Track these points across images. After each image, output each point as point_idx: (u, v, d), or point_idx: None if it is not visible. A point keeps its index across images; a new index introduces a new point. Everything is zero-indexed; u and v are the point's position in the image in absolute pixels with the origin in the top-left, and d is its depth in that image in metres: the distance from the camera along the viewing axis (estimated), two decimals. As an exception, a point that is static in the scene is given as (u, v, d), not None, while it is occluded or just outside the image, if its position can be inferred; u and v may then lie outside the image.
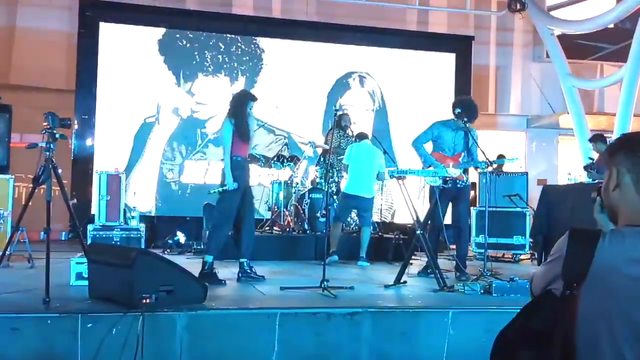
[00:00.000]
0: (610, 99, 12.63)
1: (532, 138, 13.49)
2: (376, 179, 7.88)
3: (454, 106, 6.43)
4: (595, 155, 8.17)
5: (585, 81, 11.48)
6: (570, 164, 11.87)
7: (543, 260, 7.22)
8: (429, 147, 6.64)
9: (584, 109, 11.41)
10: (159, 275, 4.40)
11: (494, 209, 8.24)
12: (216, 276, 5.82)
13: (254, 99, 6.22)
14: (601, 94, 12.85)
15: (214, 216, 6.25)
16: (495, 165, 6.47)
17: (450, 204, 6.44)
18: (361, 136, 8.13)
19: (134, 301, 4.16)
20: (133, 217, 7.07)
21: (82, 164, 10.06)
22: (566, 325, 1.75)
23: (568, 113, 11.43)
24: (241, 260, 6.03)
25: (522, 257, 8.82)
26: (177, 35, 10.69)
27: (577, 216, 6.58)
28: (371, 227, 8.12)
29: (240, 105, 6.11)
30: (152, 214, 9.69)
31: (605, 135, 8.49)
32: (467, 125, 6.35)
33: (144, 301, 4.16)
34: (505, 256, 8.91)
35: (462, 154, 6.43)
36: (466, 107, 6.41)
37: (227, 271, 6.40)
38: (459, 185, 6.41)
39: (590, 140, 8.34)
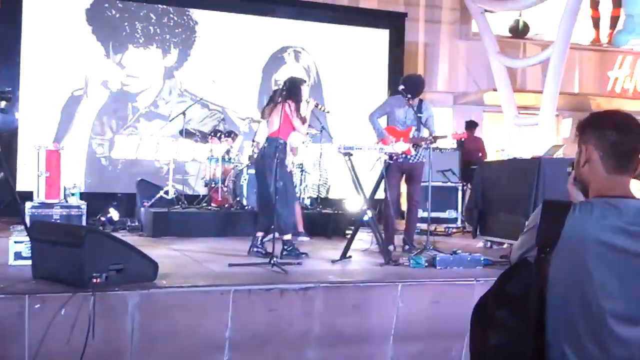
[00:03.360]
0: (531, 76, 13.10)
1: (458, 114, 13.84)
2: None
3: (399, 83, 6.60)
4: None
5: (514, 60, 11.85)
6: (494, 139, 12.26)
7: (478, 233, 7.48)
8: (383, 121, 6.78)
9: (508, 87, 11.78)
10: (109, 254, 4.29)
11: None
12: (298, 251, 6.08)
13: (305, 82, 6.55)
14: (523, 72, 13.29)
15: (283, 195, 6.09)
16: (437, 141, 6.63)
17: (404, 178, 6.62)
18: None
19: (84, 281, 4.05)
20: (73, 194, 6.82)
21: (6, 138, 9.60)
22: (539, 287, 1.87)
23: (494, 90, 11.77)
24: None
25: (454, 230, 9.12)
26: (106, 5, 10.30)
27: (511, 191, 6.84)
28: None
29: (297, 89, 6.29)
30: (82, 190, 9.37)
31: (533, 112, 8.87)
32: (409, 100, 6.49)
33: (95, 280, 4.06)
34: (438, 230, 9.17)
35: (412, 128, 6.57)
36: (409, 83, 6.58)
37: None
38: (410, 161, 6.57)
39: None
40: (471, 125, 10.49)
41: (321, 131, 8.82)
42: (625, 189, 1.91)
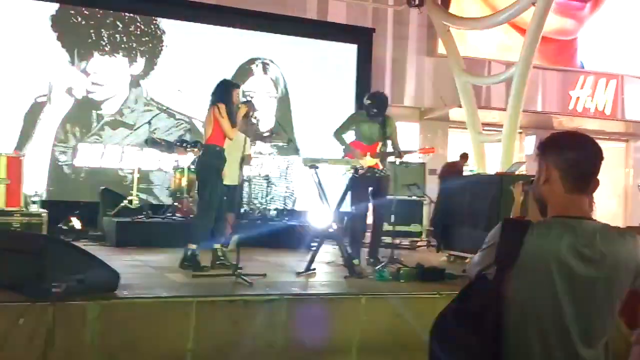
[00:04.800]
0: (496, 94, 13.34)
1: (425, 129, 13.99)
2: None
3: (365, 98, 6.68)
4: None
5: (478, 78, 12.04)
6: (458, 154, 12.40)
7: (442, 247, 7.56)
8: (349, 136, 6.81)
9: (473, 104, 11.95)
10: (69, 264, 4.23)
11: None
12: (199, 263, 5.85)
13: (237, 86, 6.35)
14: (488, 89, 13.51)
15: (200, 205, 6.08)
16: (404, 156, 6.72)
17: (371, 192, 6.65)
18: None
19: (44, 291, 3.97)
20: (34, 202, 6.69)
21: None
22: (496, 306, 1.90)
23: (459, 107, 11.95)
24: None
25: (419, 244, 9.19)
26: (72, 12, 10.17)
27: (474, 206, 6.94)
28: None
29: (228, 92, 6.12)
30: (44, 198, 9.21)
31: (497, 129, 9.03)
32: (375, 116, 6.56)
33: (54, 290, 3.98)
34: (403, 243, 9.23)
35: (379, 143, 6.62)
36: (373, 99, 6.67)
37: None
38: (377, 175, 6.61)
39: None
40: (465, 157, 10.88)
41: (288, 143, 8.83)
42: (582, 209, 1.96)
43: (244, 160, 7.05)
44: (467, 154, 11.15)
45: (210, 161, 6.02)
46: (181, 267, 5.80)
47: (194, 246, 5.89)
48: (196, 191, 6.59)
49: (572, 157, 1.95)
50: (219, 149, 6.04)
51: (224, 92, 6.15)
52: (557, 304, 1.85)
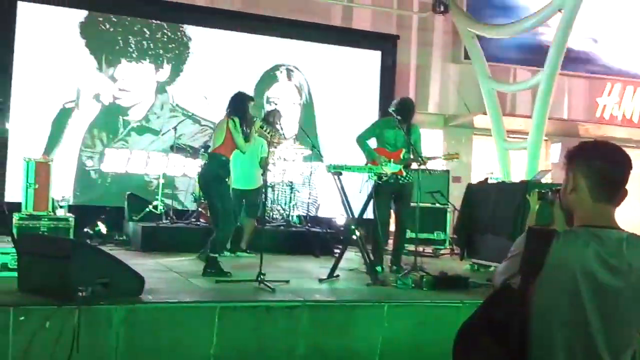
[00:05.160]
0: (521, 101, 13.23)
1: (449, 136, 13.93)
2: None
3: (391, 105, 6.69)
4: None
5: (504, 84, 11.95)
6: (483, 161, 12.33)
7: (465, 255, 7.51)
8: (373, 143, 6.82)
9: (498, 111, 11.87)
10: (95, 268, 4.29)
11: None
12: (222, 270, 5.89)
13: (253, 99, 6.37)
14: (513, 97, 13.41)
15: (218, 215, 6.08)
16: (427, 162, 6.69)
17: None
18: None
19: (70, 294, 4.04)
20: (61, 207, 6.79)
21: (-5, 149, 9.56)
22: (522, 315, 1.89)
23: (484, 114, 11.88)
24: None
25: (442, 252, 9.14)
26: (100, 19, 10.31)
27: (498, 214, 6.88)
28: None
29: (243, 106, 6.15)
30: (70, 203, 9.34)
31: (522, 136, 8.94)
32: (399, 123, 6.56)
33: (80, 294, 4.04)
34: (426, 251, 9.19)
35: (403, 150, 6.62)
36: (401, 107, 6.66)
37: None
38: (400, 182, 6.61)
39: None
40: None
41: (312, 150, 8.85)
42: (610, 219, 1.94)
43: (262, 163, 7.13)
44: None
45: (216, 170, 6.04)
46: (204, 275, 5.83)
47: (215, 255, 5.97)
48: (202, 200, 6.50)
49: (600, 166, 1.93)
50: (225, 159, 6.07)
51: (239, 105, 6.17)
52: (583, 313, 1.83)
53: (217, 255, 5.97)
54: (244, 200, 7.60)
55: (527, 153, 10.19)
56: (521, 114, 12.80)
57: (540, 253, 1.89)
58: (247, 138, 6.08)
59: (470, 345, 1.97)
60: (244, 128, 6.08)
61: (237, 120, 6.02)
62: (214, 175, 6.02)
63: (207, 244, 6.25)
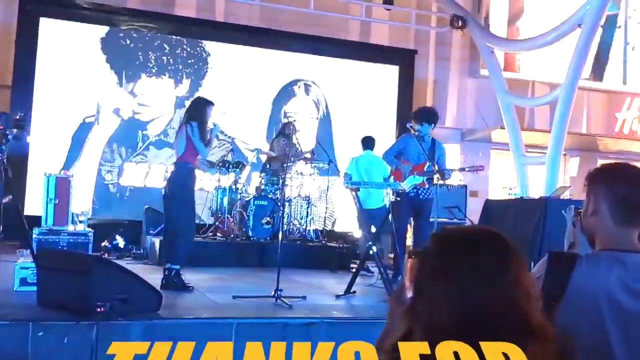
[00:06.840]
0: (539, 115, 13.15)
1: (466, 150, 13.88)
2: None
3: (412, 117, 6.75)
4: None
5: (522, 99, 11.90)
6: (501, 176, 12.26)
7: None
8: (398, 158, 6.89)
9: (517, 125, 11.81)
10: (114, 284, 4.31)
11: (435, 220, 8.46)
12: (184, 282, 5.79)
13: (212, 104, 6.27)
14: (532, 111, 13.33)
15: (181, 225, 6.04)
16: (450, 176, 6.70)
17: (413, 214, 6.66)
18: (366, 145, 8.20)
19: (88, 310, 4.05)
20: (81, 222, 6.85)
21: (16, 164, 9.64)
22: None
23: (501, 128, 11.82)
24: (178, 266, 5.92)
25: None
26: (121, 35, 10.45)
27: (517, 231, 6.81)
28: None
29: (202, 110, 6.10)
30: (89, 216, 9.41)
31: (541, 150, 8.85)
32: (417, 131, 6.57)
33: (99, 310, 4.06)
34: (443, 266, 9.12)
35: (427, 163, 6.60)
36: (419, 112, 6.83)
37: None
38: (421, 197, 6.59)
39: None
40: None
41: (329, 164, 8.86)
42: (632, 243, 1.91)
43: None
44: None
45: (183, 180, 6.03)
46: (166, 288, 5.61)
47: (177, 266, 5.87)
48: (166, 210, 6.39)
49: (622, 189, 1.91)
50: (191, 166, 6.05)
51: (196, 112, 6.15)
52: (606, 340, 1.80)
53: (179, 267, 5.87)
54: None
55: (546, 168, 10.12)
56: (539, 129, 12.73)
57: (562, 278, 1.86)
58: (207, 143, 6.07)
59: None
60: (204, 133, 6.03)
61: (194, 125, 5.99)
62: (182, 183, 6.01)
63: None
